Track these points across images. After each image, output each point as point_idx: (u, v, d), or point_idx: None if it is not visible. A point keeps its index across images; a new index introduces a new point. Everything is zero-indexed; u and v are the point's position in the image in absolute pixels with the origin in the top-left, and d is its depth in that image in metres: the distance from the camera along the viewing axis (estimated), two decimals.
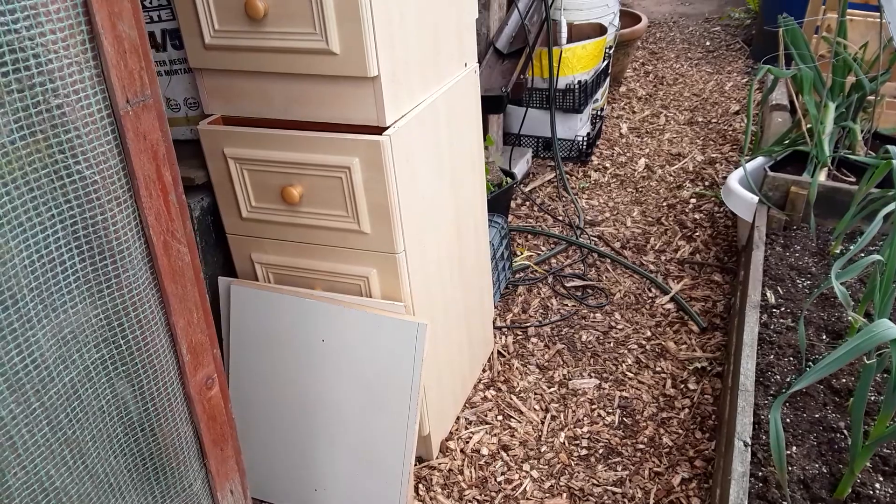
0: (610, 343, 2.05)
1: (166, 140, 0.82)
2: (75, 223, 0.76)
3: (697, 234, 2.52)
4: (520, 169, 2.82)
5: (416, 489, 1.64)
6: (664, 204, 2.72)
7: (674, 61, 4.07)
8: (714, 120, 3.35)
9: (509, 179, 2.46)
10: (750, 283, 1.74)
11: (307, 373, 1.47)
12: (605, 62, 3.05)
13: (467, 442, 1.75)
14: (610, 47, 3.12)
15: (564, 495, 1.61)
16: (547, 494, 1.61)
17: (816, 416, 1.40)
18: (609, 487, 1.62)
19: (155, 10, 1.37)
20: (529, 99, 2.85)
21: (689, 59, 4.08)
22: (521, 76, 2.45)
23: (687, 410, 1.80)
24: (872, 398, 1.42)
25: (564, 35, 2.75)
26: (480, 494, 1.62)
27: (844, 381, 1.48)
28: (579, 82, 2.82)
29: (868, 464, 1.29)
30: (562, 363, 1.98)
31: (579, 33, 2.93)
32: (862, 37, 2.28)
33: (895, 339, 1.02)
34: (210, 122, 1.37)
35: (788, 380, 1.49)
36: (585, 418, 1.80)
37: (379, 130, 1.26)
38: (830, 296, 1.72)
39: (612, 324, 2.12)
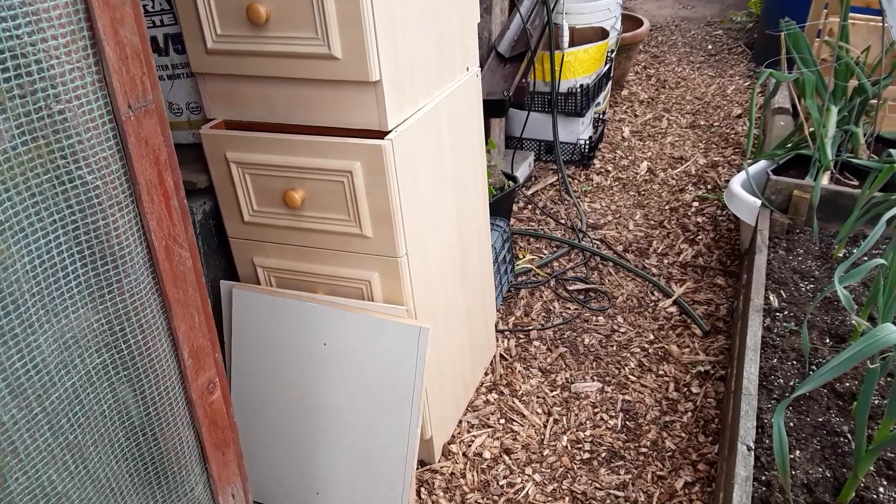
0: (612, 346, 2.04)
1: (168, 145, 0.83)
2: (77, 228, 0.76)
3: (700, 237, 2.51)
4: (522, 172, 2.82)
5: (418, 493, 1.64)
6: (666, 207, 2.71)
7: (676, 65, 4.07)
8: (716, 123, 3.35)
9: (511, 183, 2.46)
10: (753, 286, 1.73)
11: (309, 376, 1.47)
12: (607, 66, 3.05)
13: (469, 445, 1.75)
14: (612, 51, 3.12)
15: (567, 499, 1.60)
16: (549, 498, 1.61)
17: (820, 419, 1.40)
18: (612, 491, 1.61)
19: (157, 15, 1.37)
20: (531, 102, 2.85)
21: (691, 63, 4.08)
22: (523, 80, 2.45)
23: (690, 414, 1.80)
24: (876, 402, 1.41)
25: (566, 39, 2.75)
26: (483, 498, 1.62)
27: (848, 384, 1.48)
28: (581, 86, 2.82)
29: (872, 468, 1.28)
30: (564, 366, 1.98)
31: (581, 37, 2.93)
32: (864, 40, 2.27)
33: None
34: (212, 126, 1.38)
35: (792, 383, 1.48)
36: (588, 422, 1.80)
37: (381, 134, 1.26)
38: (834, 299, 1.72)
39: (615, 327, 2.12)
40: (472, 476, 1.67)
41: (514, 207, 2.72)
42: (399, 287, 1.39)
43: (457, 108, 1.53)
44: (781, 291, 1.76)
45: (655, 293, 2.25)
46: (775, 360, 1.54)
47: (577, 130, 2.95)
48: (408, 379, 1.40)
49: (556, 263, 2.42)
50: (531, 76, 2.75)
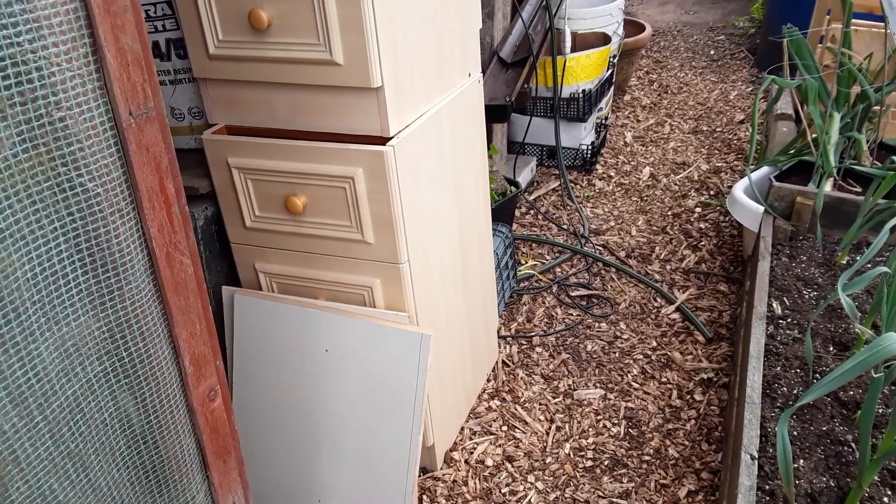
0: (615, 353, 2.04)
1: (169, 152, 0.82)
2: (78, 235, 0.76)
3: (703, 243, 2.51)
4: (524, 178, 2.82)
5: (421, 500, 1.63)
6: (669, 213, 2.71)
7: (678, 70, 4.07)
8: (719, 129, 3.35)
9: (513, 188, 2.46)
10: (756, 293, 1.73)
11: (310, 383, 1.47)
12: (609, 71, 3.05)
13: (471, 453, 1.74)
14: (614, 56, 3.12)
15: None
16: None
17: (824, 428, 1.39)
18: (615, 499, 1.60)
19: (159, 20, 1.37)
20: (533, 108, 2.85)
21: (694, 68, 4.08)
22: (525, 85, 2.45)
23: (693, 422, 1.79)
24: (880, 411, 1.40)
25: (568, 44, 2.75)
26: None
27: (852, 393, 1.47)
28: (583, 91, 2.82)
29: (876, 478, 1.28)
30: (567, 373, 1.97)
31: (583, 42, 2.93)
32: (867, 47, 2.27)
33: None
34: (214, 131, 1.37)
35: (795, 392, 1.48)
36: (591, 429, 1.79)
37: (383, 140, 1.26)
38: (837, 307, 1.71)
39: (618, 333, 2.11)
40: (475, 483, 1.66)
41: (517, 213, 2.72)
42: (401, 293, 1.39)
43: (459, 113, 1.53)
44: (785, 298, 1.75)
45: (658, 299, 2.25)
46: (779, 368, 1.54)
47: (580, 136, 2.95)
48: (409, 385, 1.40)
49: (558, 269, 2.41)
50: (533, 81, 2.75)
